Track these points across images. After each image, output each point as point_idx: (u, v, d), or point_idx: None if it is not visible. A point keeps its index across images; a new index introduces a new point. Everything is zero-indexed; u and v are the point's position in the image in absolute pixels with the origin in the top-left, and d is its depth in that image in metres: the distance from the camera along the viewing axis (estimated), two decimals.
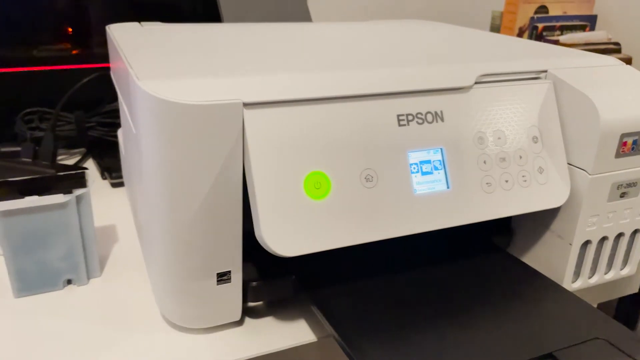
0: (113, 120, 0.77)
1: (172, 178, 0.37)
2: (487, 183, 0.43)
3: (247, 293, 0.43)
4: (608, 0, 1.06)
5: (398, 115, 0.41)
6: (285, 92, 0.38)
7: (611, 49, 0.96)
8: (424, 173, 0.42)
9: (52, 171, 0.48)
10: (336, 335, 0.39)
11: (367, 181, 0.40)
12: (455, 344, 0.38)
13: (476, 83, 0.44)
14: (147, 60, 0.44)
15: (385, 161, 0.40)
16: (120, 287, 0.49)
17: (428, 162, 0.42)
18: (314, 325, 0.45)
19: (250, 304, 0.46)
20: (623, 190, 0.47)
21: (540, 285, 0.45)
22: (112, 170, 0.70)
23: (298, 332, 0.44)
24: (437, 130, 0.42)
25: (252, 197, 0.38)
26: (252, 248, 0.40)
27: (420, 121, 0.42)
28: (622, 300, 0.79)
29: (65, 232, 0.47)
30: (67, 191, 0.46)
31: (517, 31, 1.04)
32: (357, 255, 0.48)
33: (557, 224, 0.48)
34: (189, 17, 0.89)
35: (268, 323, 0.45)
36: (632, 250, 0.51)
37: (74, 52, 0.83)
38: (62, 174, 0.49)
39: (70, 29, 0.82)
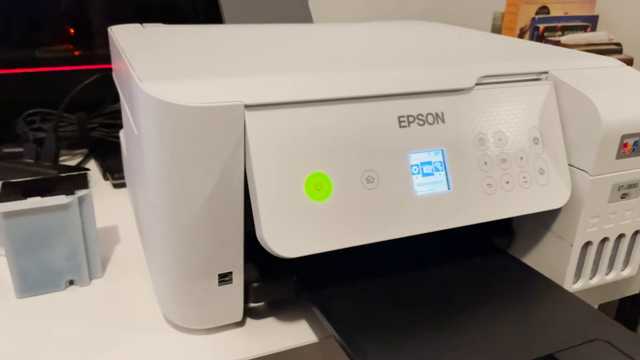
0: (115, 122, 0.77)
1: (173, 179, 0.37)
2: (487, 184, 0.43)
3: (249, 294, 0.43)
4: (609, 0, 1.06)
5: (399, 117, 0.41)
6: (287, 93, 0.39)
7: (612, 49, 0.96)
8: (424, 174, 0.42)
9: (54, 172, 0.48)
10: (337, 335, 0.39)
11: (368, 182, 0.40)
12: (456, 345, 0.38)
13: (477, 84, 0.45)
14: (149, 62, 0.44)
15: (386, 162, 0.41)
16: (122, 287, 0.50)
17: (429, 163, 0.42)
18: (315, 326, 0.45)
19: (252, 304, 0.46)
20: (624, 192, 0.47)
21: (541, 286, 0.45)
22: (114, 171, 0.70)
23: (299, 333, 0.44)
24: (438, 132, 0.42)
25: (253, 198, 0.38)
26: (253, 249, 0.40)
27: (421, 122, 0.42)
28: (623, 301, 0.79)
29: (67, 233, 0.47)
30: (70, 192, 0.46)
31: (518, 32, 1.04)
32: (358, 256, 0.48)
33: (557, 225, 0.48)
34: (190, 19, 0.89)
35: (269, 324, 0.45)
36: (633, 251, 0.51)
37: (76, 53, 0.83)
38: (64, 175, 0.49)
39: (72, 31, 0.83)
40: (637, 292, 0.60)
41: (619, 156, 0.45)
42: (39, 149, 0.71)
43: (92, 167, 0.76)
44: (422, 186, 0.42)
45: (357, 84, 0.41)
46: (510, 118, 0.45)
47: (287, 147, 0.38)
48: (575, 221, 0.47)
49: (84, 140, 0.76)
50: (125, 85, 0.48)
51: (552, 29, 1.03)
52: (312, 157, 0.39)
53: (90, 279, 0.50)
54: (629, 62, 0.91)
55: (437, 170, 0.42)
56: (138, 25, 0.65)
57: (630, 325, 0.78)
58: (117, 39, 0.55)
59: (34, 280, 0.47)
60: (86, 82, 0.73)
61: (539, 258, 0.51)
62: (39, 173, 0.63)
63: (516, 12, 1.04)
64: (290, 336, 0.44)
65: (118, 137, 0.74)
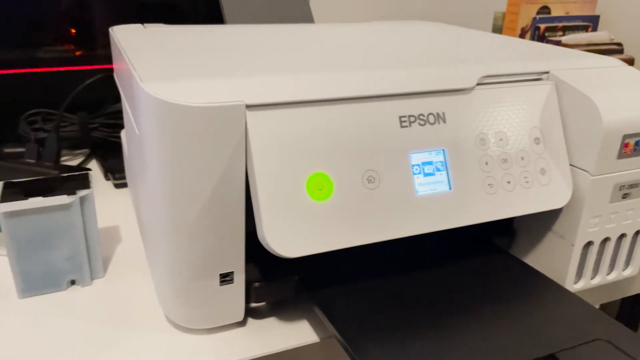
0: (116, 122, 0.77)
1: (175, 179, 0.37)
2: (489, 184, 0.43)
3: (250, 294, 0.43)
4: (610, 0, 1.06)
5: (400, 117, 0.41)
6: (288, 93, 0.39)
7: (613, 49, 0.96)
8: (426, 174, 0.42)
9: (55, 172, 0.48)
10: (338, 335, 0.39)
11: (369, 182, 0.40)
12: (457, 345, 0.38)
13: (478, 84, 0.45)
14: (151, 62, 0.44)
15: (387, 162, 0.41)
16: (124, 287, 0.50)
17: (430, 163, 0.42)
18: (316, 325, 0.45)
19: (253, 304, 0.47)
20: (625, 191, 0.47)
21: (542, 286, 0.45)
22: (116, 171, 0.70)
23: (300, 333, 0.44)
24: (439, 132, 0.42)
25: (254, 198, 0.38)
26: (254, 249, 0.40)
27: (422, 122, 0.42)
28: (624, 301, 0.79)
29: (69, 233, 0.47)
30: (71, 192, 0.46)
31: (519, 32, 1.04)
32: (360, 256, 0.48)
33: (559, 225, 0.48)
34: (191, 19, 0.89)
35: (271, 324, 0.45)
36: (634, 251, 0.51)
37: (78, 53, 0.83)
38: (65, 175, 0.49)
39: (73, 31, 0.83)
40: (639, 292, 0.60)
41: (620, 156, 0.45)
42: (41, 149, 0.71)
43: (94, 167, 0.76)
44: (423, 186, 0.42)
45: (358, 84, 0.41)
46: (512, 118, 0.45)
47: (288, 147, 0.38)
48: (576, 221, 0.47)
49: (85, 141, 0.77)
50: (127, 85, 0.48)
51: (553, 29, 1.03)
52: (313, 157, 0.39)
53: (92, 279, 0.50)
54: (630, 62, 0.91)
55: (438, 170, 0.42)
56: (139, 25, 0.65)
57: (632, 325, 0.78)
58: (119, 39, 0.55)
59: (35, 280, 0.47)
60: (87, 82, 0.73)
61: (540, 258, 0.51)
62: (41, 173, 0.64)
63: (517, 12, 1.03)
64: (292, 336, 0.44)
65: (119, 137, 0.74)
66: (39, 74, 0.80)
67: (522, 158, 0.45)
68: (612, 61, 0.51)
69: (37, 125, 0.74)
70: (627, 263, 0.52)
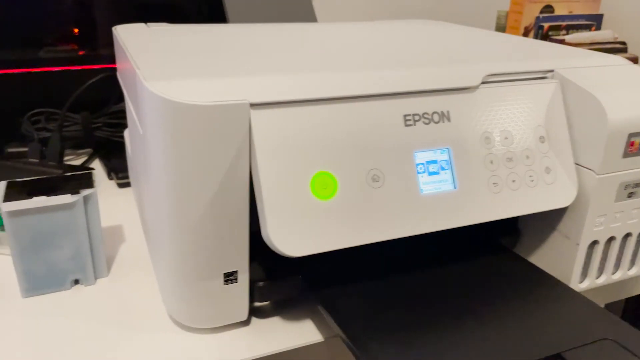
0: (119, 121, 0.77)
1: (179, 178, 0.37)
2: (494, 183, 0.43)
3: (254, 293, 0.43)
4: None
5: (404, 116, 0.41)
6: (292, 92, 0.38)
7: (617, 48, 0.96)
8: (430, 173, 0.42)
9: (59, 172, 0.48)
10: (343, 335, 0.39)
11: (373, 181, 0.40)
12: (462, 344, 0.38)
13: (483, 83, 0.44)
14: (154, 61, 0.44)
15: (391, 161, 0.40)
16: (127, 287, 0.50)
17: (435, 162, 0.42)
18: (320, 325, 0.45)
19: (257, 304, 0.46)
20: (631, 190, 0.47)
21: (547, 285, 0.45)
22: (119, 171, 0.70)
23: (305, 332, 0.44)
24: (443, 130, 0.42)
25: (258, 197, 0.38)
26: (258, 248, 0.40)
27: (426, 121, 0.42)
28: (630, 300, 0.79)
29: (72, 233, 0.47)
30: (74, 191, 0.46)
31: (522, 31, 1.04)
32: (364, 255, 0.48)
33: (564, 224, 0.48)
34: (194, 18, 0.89)
35: (274, 323, 0.45)
36: (639, 251, 0.51)
37: (81, 53, 0.83)
38: (69, 174, 0.49)
39: (76, 30, 0.83)
40: None
41: (626, 155, 0.45)
42: (44, 148, 0.71)
43: (97, 166, 0.76)
44: (427, 185, 0.41)
45: (362, 82, 0.41)
46: (516, 116, 0.45)
47: (292, 146, 0.38)
48: (581, 220, 0.46)
49: (88, 140, 0.77)
50: (130, 84, 0.48)
51: (557, 28, 1.02)
52: (318, 156, 0.38)
53: (96, 278, 0.50)
54: (634, 61, 0.90)
55: (443, 169, 0.42)
56: (142, 24, 0.65)
57: (637, 324, 0.78)
58: (122, 38, 0.55)
59: (39, 280, 0.47)
60: (90, 81, 0.73)
61: (545, 257, 0.50)
62: (44, 172, 0.64)
63: (520, 11, 1.03)
64: (296, 335, 0.44)
65: (122, 137, 0.74)
66: (42, 74, 0.80)
67: (527, 157, 0.44)
68: (617, 60, 0.51)
69: (40, 125, 0.74)
70: (633, 262, 0.51)
